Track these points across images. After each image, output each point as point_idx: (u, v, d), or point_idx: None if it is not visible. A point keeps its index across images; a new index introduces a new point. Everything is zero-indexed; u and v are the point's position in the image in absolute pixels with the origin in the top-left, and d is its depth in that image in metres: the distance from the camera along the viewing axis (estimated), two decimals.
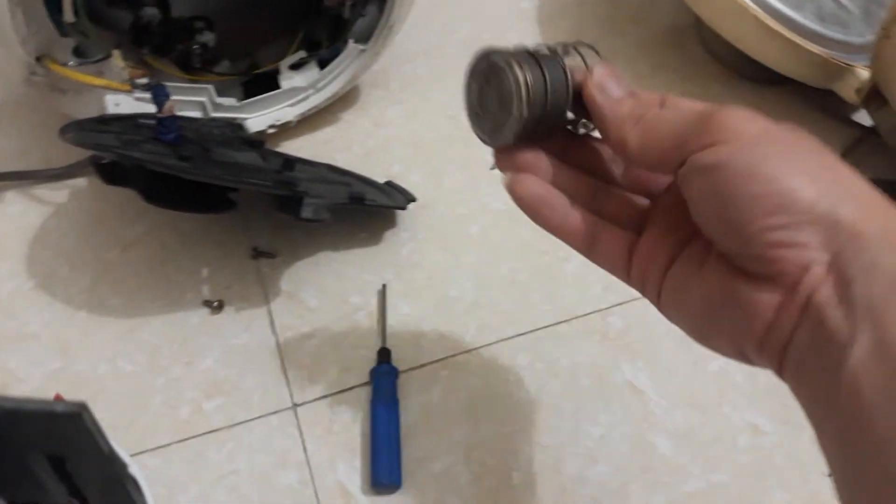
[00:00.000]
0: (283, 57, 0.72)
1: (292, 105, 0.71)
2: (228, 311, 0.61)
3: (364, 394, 0.57)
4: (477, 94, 0.34)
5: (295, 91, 0.71)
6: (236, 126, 0.69)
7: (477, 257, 0.65)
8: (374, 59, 0.70)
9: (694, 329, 0.33)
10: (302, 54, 0.71)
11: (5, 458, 0.34)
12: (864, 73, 0.66)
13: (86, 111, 0.63)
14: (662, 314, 0.34)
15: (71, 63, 0.61)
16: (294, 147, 0.72)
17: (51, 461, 0.34)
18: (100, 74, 0.62)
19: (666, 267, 0.33)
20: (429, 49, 0.83)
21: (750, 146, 0.27)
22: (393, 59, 0.79)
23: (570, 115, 0.34)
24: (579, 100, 0.33)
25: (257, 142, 0.69)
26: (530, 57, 0.32)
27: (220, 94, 0.70)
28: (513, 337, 0.60)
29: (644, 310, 0.61)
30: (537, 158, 0.35)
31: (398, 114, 0.77)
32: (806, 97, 0.76)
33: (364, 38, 0.69)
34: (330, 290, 0.62)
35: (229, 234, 0.65)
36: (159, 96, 0.58)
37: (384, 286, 0.62)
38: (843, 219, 0.26)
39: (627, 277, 0.36)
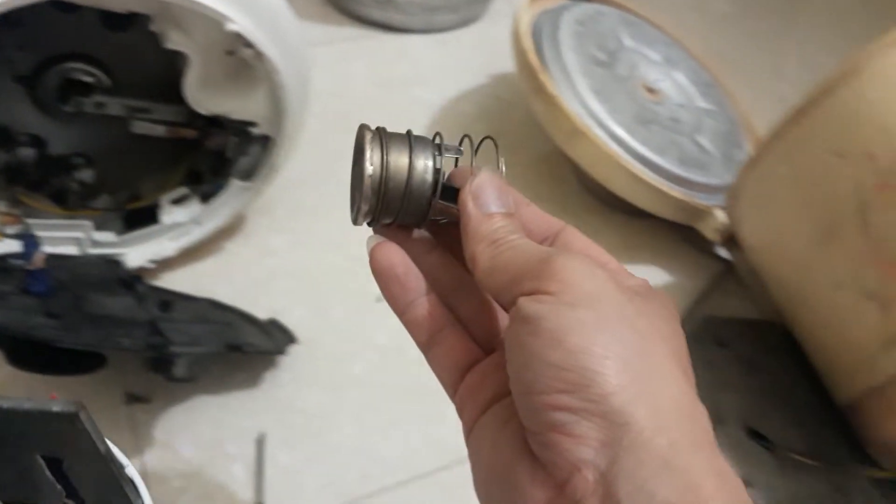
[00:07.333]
0: (165, 189, 0.71)
1: (172, 239, 0.70)
2: None
3: None
4: (352, 168, 0.33)
5: (176, 226, 0.70)
6: (114, 264, 0.67)
7: (359, 399, 0.65)
8: (257, 195, 0.71)
9: (476, 489, 0.30)
10: (184, 190, 0.70)
11: (2, 459, 0.33)
12: (722, 215, 0.72)
13: None
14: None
15: None
16: (175, 280, 0.71)
17: (47, 462, 0.34)
18: None
19: (485, 406, 0.30)
20: (318, 176, 0.84)
21: (570, 307, 0.25)
22: (281, 185, 0.80)
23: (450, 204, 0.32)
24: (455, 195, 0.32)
25: (135, 278, 0.67)
26: (402, 141, 0.31)
27: (99, 227, 0.68)
28: (394, 486, 0.60)
29: None
30: (402, 234, 0.33)
31: (284, 243, 0.77)
32: (675, 229, 0.81)
33: (247, 176, 0.69)
34: (206, 439, 0.61)
35: (100, 377, 0.63)
36: (29, 247, 0.56)
37: (262, 435, 0.60)
38: (634, 422, 0.23)
39: (453, 394, 0.32)
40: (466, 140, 0.34)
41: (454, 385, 0.32)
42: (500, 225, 0.30)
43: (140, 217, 0.70)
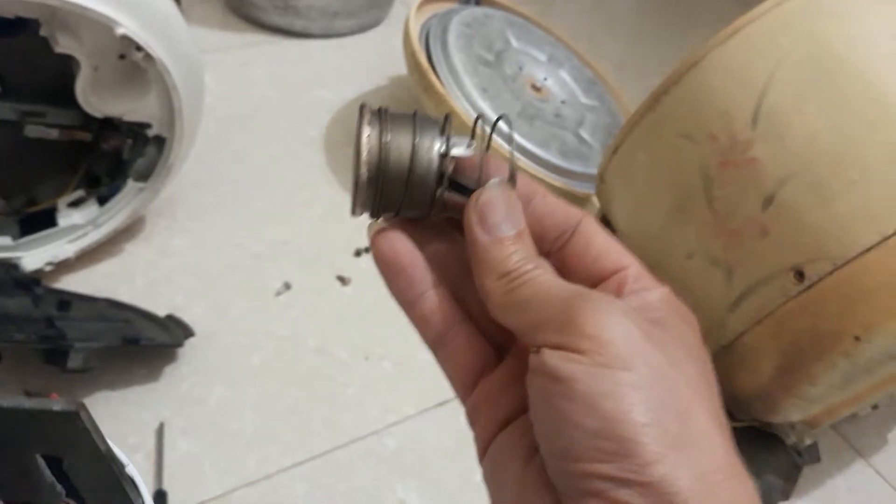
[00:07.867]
0: (62, 192, 0.72)
1: (71, 242, 0.71)
2: None
3: None
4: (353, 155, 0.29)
5: (73, 228, 0.71)
6: (9, 267, 0.68)
7: (259, 387, 0.67)
8: (154, 195, 0.73)
9: None
10: (81, 193, 0.71)
11: (3, 459, 0.33)
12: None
13: None
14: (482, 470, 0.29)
15: None
16: (74, 282, 0.72)
17: (47, 462, 0.34)
18: None
19: (502, 422, 0.28)
20: (217, 177, 0.86)
21: (605, 369, 0.23)
22: (181, 187, 0.82)
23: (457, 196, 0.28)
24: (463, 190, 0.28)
25: (32, 281, 0.68)
26: (406, 123, 0.27)
27: None
28: (291, 467, 0.63)
29: (415, 428, 0.66)
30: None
31: (184, 243, 0.79)
32: None
33: (143, 177, 0.71)
34: (107, 432, 0.62)
35: None
36: None
37: (161, 425, 0.62)
38: (678, 491, 0.22)
39: (464, 399, 0.30)
40: (479, 122, 0.29)
41: (465, 390, 0.30)
42: (511, 251, 0.27)
43: (37, 220, 0.71)
